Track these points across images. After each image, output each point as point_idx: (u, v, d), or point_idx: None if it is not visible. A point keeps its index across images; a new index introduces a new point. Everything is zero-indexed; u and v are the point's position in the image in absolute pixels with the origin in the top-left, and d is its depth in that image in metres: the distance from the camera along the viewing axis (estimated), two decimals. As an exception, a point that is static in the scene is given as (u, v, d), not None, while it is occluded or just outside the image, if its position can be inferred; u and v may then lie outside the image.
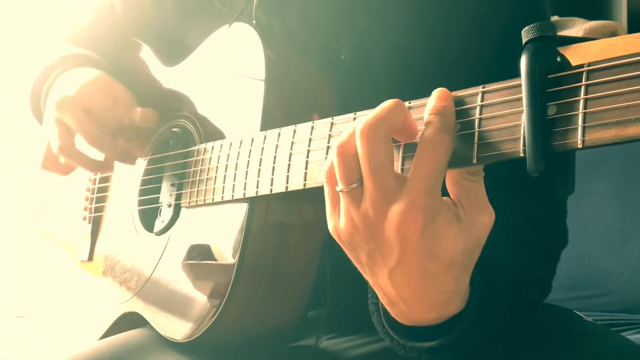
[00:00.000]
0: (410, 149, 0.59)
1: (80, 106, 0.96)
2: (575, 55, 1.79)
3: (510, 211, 0.76)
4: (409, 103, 0.61)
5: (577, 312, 0.87)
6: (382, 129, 0.56)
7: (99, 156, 1.02)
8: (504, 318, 0.72)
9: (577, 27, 2.02)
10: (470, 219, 0.58)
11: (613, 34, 2.02)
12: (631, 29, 2.07)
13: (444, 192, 0.59)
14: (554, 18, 2.07)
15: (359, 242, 0.59)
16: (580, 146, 0.48)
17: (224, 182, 0.83)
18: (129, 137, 1.01)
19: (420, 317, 0.63)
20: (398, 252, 0.57)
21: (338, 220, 0.60)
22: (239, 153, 0.81)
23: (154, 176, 1.00)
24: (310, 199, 0.81)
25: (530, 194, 0.81)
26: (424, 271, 0.58)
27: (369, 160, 0.56)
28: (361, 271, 0.63)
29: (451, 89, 0.58)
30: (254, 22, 0.91)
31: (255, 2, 0.91)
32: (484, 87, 0.56)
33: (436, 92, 0.58)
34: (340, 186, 0.58)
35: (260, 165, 0.77)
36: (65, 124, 0.97)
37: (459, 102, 0.57)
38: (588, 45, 1.91)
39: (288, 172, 0.73)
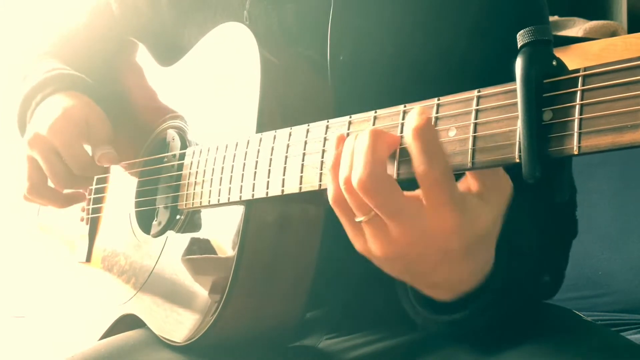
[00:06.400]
0: (404, 154, 0.59)
1: (50, 147, 0.98)
2: (575, 55, 1.78)
3: (533, 196, 0.77)
4: (405, 107, 0.61)
5: (577, 312, 0.87)
6: (378, 176, 0.57)
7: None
8: (525, 295, 0.76)
9: (577, 27, 2.01)
10: (493, 192, 0.61)
11: (613, 34, 2.02)
12: (631, 29, 2.06)
13: None
14: (554, 18, 2.06)
15: (395, 259, 0.61)
16: (576, 152, 0.48)
17: (220, 185, 0.82)
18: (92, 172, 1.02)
19: (460, 287, 0.67)
20: (442, 256, 0.60)
21: (366, 244, 0.62)
22: (234, 155, 0.81)
23: (150, 177, 1.00)
24: (308, 198, 0.81)
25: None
26: (465, 255, 0.61)
27: (380, 207, 0.58)
28: (396, 276, 0.66)
29: (450, 90, 0.58)
30: (246, 21, 0.90)
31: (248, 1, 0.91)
32: (479, 91, 0.55)
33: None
34: (359, 218, 0.60)
35: (256, 168, 0.77)
36: (37, 163, 0.99)
37: (455, 105, 0.57)
38: (588, 45, 1.91)
39: (284, 175, 0.73)
